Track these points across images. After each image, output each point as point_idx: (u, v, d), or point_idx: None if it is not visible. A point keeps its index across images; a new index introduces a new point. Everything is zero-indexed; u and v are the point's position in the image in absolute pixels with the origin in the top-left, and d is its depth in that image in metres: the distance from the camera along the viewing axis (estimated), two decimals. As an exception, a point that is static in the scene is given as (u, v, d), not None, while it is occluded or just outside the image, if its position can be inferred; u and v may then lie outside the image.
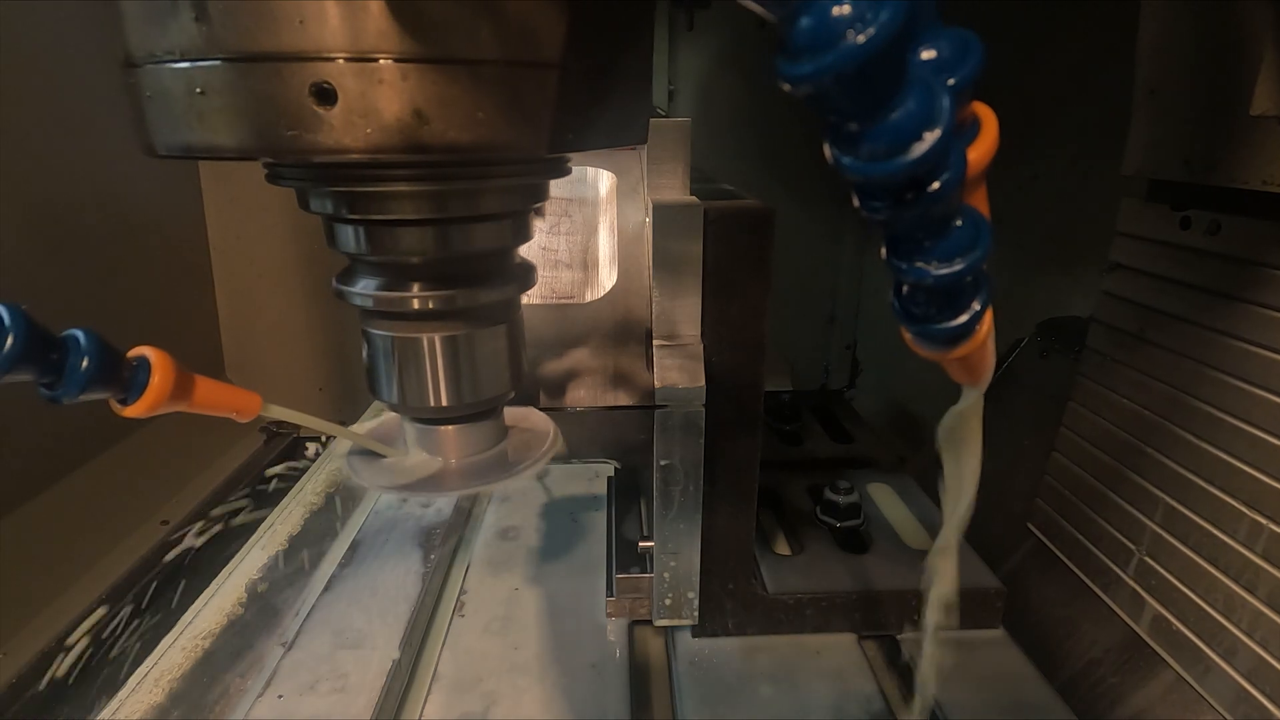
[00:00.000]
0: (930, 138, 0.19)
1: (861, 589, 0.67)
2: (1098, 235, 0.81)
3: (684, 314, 0.58)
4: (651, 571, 0.66)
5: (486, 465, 0.43)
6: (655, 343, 0.58)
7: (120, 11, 0.30)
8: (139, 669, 0.60)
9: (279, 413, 0.37)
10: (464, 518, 0.89)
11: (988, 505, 0.77)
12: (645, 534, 0.68)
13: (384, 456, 0.43)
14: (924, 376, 1.27)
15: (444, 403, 0.40)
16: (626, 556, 0.70)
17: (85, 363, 0.28)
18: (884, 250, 0.24)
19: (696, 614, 0.67)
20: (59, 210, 0.94)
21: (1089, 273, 0.86)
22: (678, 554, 0.64)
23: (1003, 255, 1.02)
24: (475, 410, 0.42)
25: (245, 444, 1.26)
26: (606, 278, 0.61)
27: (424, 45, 0.28)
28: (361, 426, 0.46)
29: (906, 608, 0.67)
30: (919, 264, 0.24)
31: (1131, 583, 0.59)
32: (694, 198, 0.57)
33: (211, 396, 0.34)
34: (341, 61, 0.27)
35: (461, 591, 0.75)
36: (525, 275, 0.42)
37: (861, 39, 0.17)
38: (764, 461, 0.62)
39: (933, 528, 0.76)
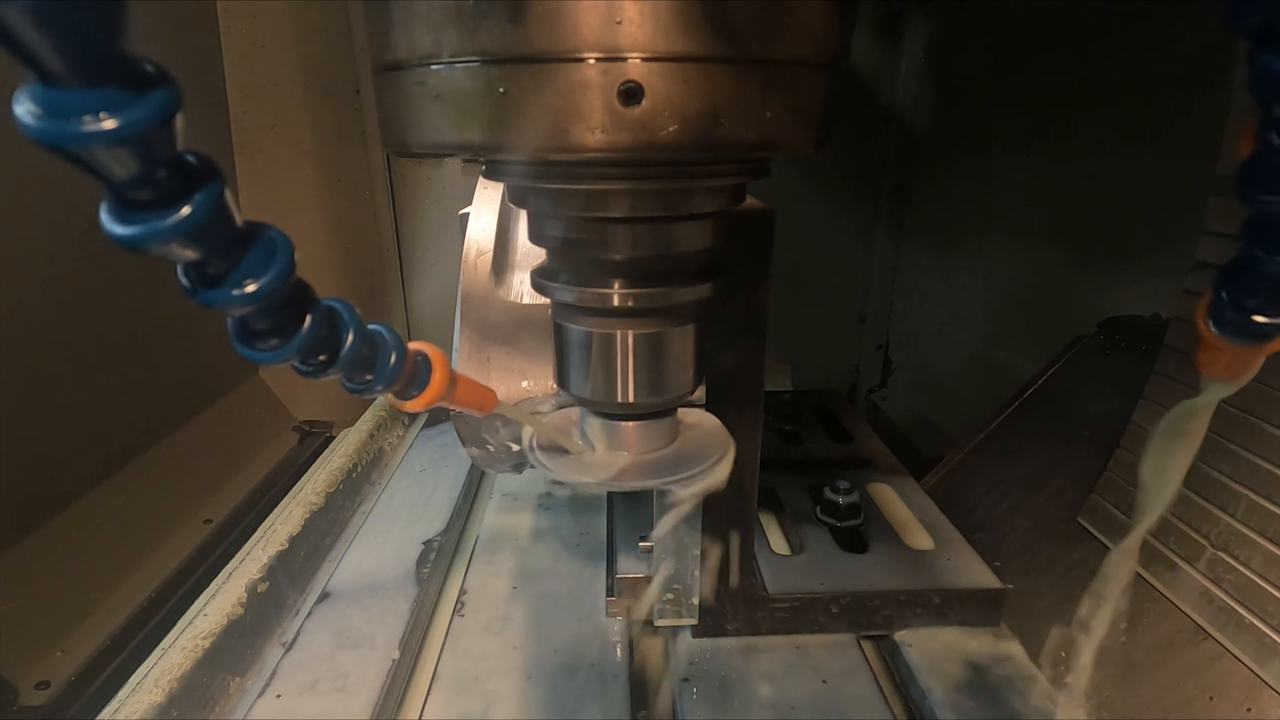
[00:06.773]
0: None
1: (861, 589, 0.64)
2: (1158, 234, 0.80)
3: (684, 313, 0.53)
4: (652, 571, 0.62)
5: (666, 462, 0.42)
6: (654, 342, 0.53)
7: (399, 14, 0.28)
8: (139, 669, 0.55)
9: (505, 409, 0.36)
10: (464, 518, 0.86)
11: (1032, 500, 0.73)
12: (645, 534, 0.65)
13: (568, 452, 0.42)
14: (955, 376, 1.21)
15: (632, 399, 0.39)
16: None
17: (393, 358, 0.27)
18: (1244, 237, 0.22)
19: (696, 614, 0.63)
20: (90, 209, 0.90)
21: (1147, 272, 0.82)
22: (678, 554, 0.61)
23: (1056, 254, 0.98)
24: (660, 407, 0.41)
25: (280, 443, 1.21)
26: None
27: (730, 46, 0.27)
28: (549, 420, 0.45)
29: (906, 608, 0.64)
30: None
31: (1200, 577, 0.57)
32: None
33: (466, 393, 0.33)
34: (652, 61, 0.26)
35: (461, 591, 0.72)
36: (718, 275, 0.40)
37: None
38: (764, 461, 0.59)
39: (933, 528, 0.71)
